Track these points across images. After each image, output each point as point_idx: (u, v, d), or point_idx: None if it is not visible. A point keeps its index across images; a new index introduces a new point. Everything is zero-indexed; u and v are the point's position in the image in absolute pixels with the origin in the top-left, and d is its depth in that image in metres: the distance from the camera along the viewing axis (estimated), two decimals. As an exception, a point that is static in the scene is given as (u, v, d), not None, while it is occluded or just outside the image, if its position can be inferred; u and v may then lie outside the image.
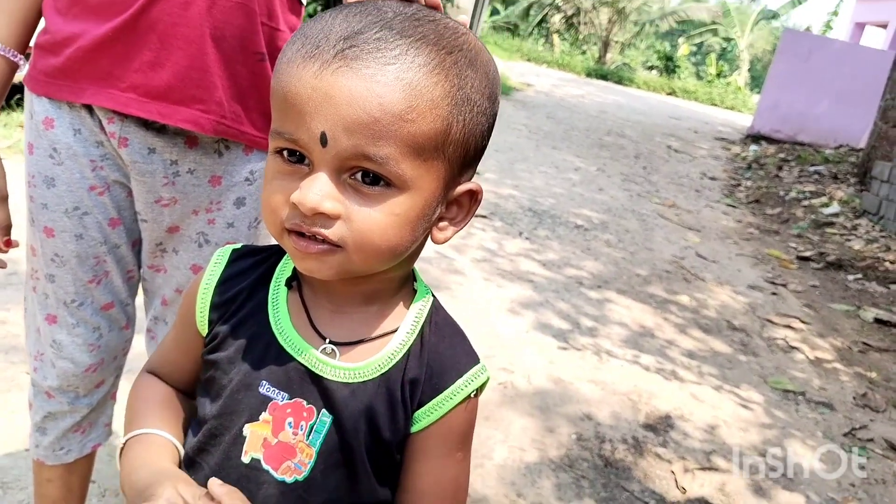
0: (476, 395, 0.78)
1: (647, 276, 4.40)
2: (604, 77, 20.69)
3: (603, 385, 2.92)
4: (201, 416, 0.78)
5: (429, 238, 0.75)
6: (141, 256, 1.29)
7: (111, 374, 1.35)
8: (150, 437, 0.78)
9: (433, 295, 0.82)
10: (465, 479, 0.82)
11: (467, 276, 3.81)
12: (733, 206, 7.02)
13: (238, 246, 0.83)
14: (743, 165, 9.27)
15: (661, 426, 2.70)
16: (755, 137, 11.10)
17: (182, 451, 0.80)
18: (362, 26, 0.64)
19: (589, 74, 20.69)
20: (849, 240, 5.91)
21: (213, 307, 0.79)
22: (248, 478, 0.74)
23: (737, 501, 2.33)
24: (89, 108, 1.11)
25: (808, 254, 5.47)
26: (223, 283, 0.79)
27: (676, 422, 2.75)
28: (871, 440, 2.89)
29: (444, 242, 0.74)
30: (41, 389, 1.30)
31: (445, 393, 0.75)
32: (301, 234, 0.66)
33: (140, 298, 1.36)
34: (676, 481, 2.37)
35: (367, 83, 0.61)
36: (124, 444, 0.79)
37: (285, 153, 0.67)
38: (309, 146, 0.64)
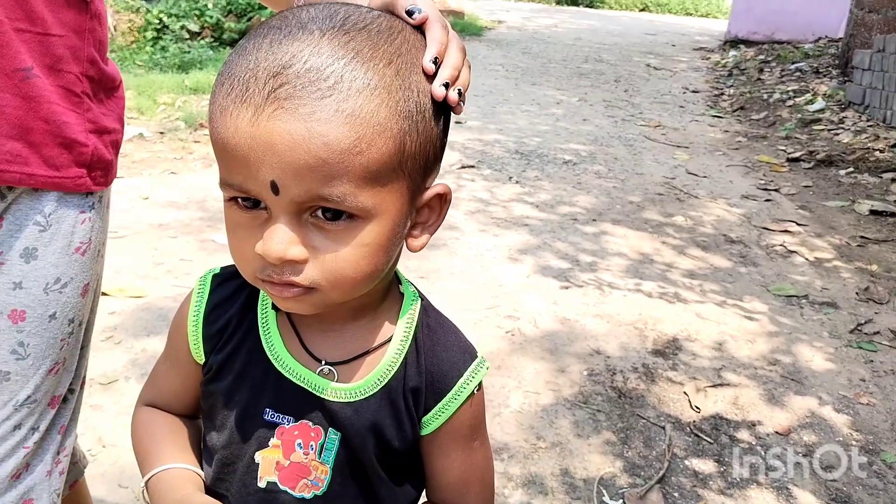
0: (479, 389, 0.78)
1: (640, 202, 4.41)
2: (574, 3, 20.35)
3: (608, 318, 2.97)
4: (210, 446, 0.79)
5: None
6: None
7: None
8: (173, 472, 0.78)
9: (421, 296, 0.80)
10: (488, 460, 0.83)
11: (463, 229, 3.83)
12: (718, 117, 6.98)
13: (217, 270, 0.82)
14: (724, 73, 9.18)
15: (669, 350, 2.75)
16: (733, 42, 10.95)
17: (202, 476, 0.81)
18: (290, 57, 0.59)
19: (559, 2, 20.34)
20: (837, 134, 5.90)
21: (206, 339, 0.78)
22: (267, 501, 0.76)
23: (751, 412, 2.39)
24: None
25: (797, 154, 5.47)
26: (211, 313, 0.78)
27: (684, 343, 2.80)
28: (877, 333, 2.94)
29: (420, 249, 0.72)
30: None
31: (449, 395, 0.75)
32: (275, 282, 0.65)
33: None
34: (690, 402, 2.43)
35: (306, 123, 0.57)
36: (147, 482, 0.79)
37: (240, 200, 0.65)
38: (262, 195, 0.62)
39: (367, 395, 0.74)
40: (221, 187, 0.65)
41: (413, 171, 0.65)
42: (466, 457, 0.79)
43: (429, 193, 0.70)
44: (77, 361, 1.07)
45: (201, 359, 0.79)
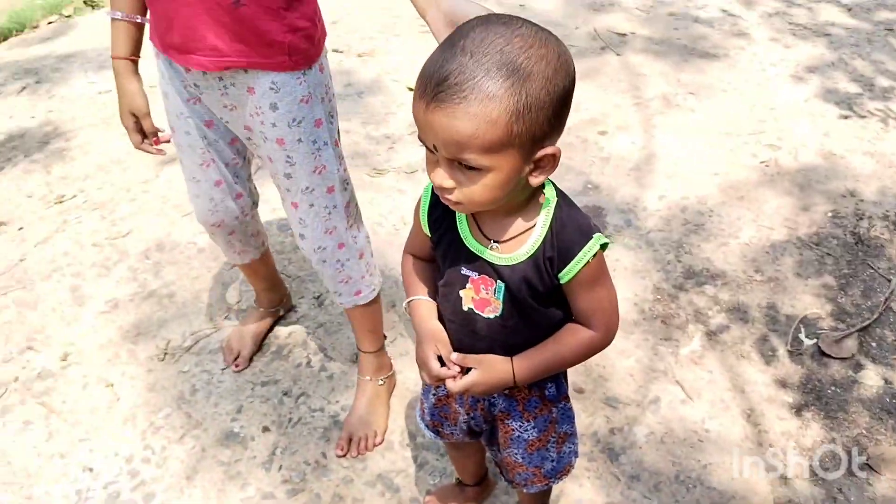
0: (595, 258, 1.17)
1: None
2: None
3: (879, 157, 2.90)
4: (438, 284, 1.31)
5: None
6: (244, 151, 1.78)
7: (239, 229, 1.91)
8: (419, 302, 1.34)
9: (560, 193, 1.19)
10: (609, 299, 1.25)
11: (752, 37, 3.72)
12: None
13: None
14: None
15: (931, 202, 2.67)
16: None
17: (435, 303, 1.35)
18: (447, 73, 0.94)
19: None
20: None
21: (430, 223, 1.28)
22: (468, 318, 1.27)
23: None
24: None
25: None
26: (432, 209, 1.27)
27: (954, 196, 2.69)
28: None
29: (539, 184, 1.10)
30: None
31: (572, 262, 1.16)
32: None
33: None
34: (932, 259, 2.43)
35: (448, 119, 0.94)
36: (408, 304, 1.36)
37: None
38: (433, 149, 1.02)
39: (519, 261, 1.18)
40: (419, 139, 1.08)
41: (522, 144, 0.99)
42: (589, 296, 1.22)
43: (541, 153, 1.03)
44: (335, 167, 1.67)
45: (429, 234, 1.30)
